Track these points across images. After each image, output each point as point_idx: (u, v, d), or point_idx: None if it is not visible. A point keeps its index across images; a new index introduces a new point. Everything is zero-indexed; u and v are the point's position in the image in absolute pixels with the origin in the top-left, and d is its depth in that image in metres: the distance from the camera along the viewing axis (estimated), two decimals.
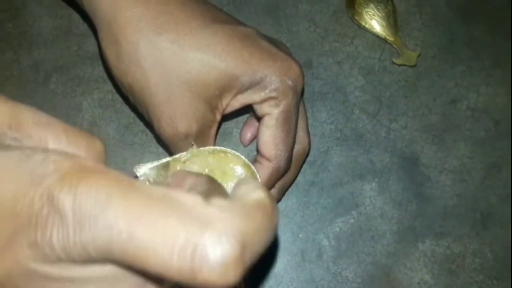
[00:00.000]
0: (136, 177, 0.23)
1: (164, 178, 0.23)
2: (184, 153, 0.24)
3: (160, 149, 0.33)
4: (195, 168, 0.25)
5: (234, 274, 0.13)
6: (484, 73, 0.35)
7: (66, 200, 0.13)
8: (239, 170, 0.25)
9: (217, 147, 0.25)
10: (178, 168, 0.24)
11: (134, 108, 0.33)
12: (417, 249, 0.32)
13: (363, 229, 0.32)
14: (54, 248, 0.13)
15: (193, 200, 0.14)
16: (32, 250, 0.14)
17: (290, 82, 0.26)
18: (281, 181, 0.29)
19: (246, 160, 0.25)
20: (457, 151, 0.34)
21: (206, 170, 0.25)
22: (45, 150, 0.15)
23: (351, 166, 0.33)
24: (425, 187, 0.33)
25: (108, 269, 0.14)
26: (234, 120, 0.34)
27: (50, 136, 0.16)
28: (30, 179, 0.14)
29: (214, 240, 0.13)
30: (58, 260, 0.14)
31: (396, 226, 0.32)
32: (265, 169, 0.27)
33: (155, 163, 0.23)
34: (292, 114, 0.27)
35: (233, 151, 0.25)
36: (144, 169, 0.23)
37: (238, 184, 0.16)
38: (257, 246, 0.14)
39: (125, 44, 0.25)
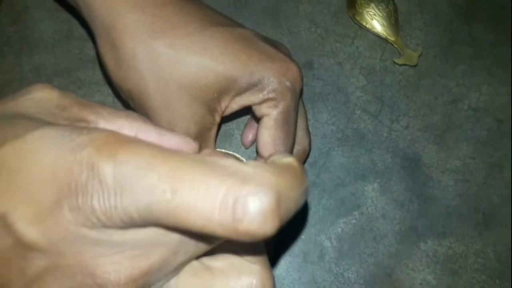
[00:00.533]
0: None
1: None
2: None
3: None
4: None
5: (272, 224, 0.14)
6: (485, 72, 0.35)
7: (106, 166, 0.14)
8: None
9: (216, 150, 0.25)
10: None
11: (134, 111, 0.33)
12: (419, 249, 0.32)
13: (365, 230, 0.32)
14: (95, 212, 0.14)
15: (230, 161, 0.15)
16: (73, 214, 0.14)
17: (288, 83, 0.26)
18: None
19: (238, 155, 0.25)
20: (459, 151, 0.34)
21: None
22: (85, 126, 0.16)
23: (353, 166, 0.33)
24: (427, 187, 0.33)
25: (147, 233, 0.15)
26: (235, 121, 0.34)
27: (92, 116, 0.18)
28: (70, 148, 0.14)
29: (253, 192, 0.14)
30: (99, 224, 0.14)
31: (398, 227, 0.32)
32: None
33: None
34: (291, 115, 0.27)
35: (230, 152, 0.25)
36: None
37: (269, 155, 0.17)
38: (291, 202, 0.15)
39: (123, 50, 0.25)
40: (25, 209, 0.14)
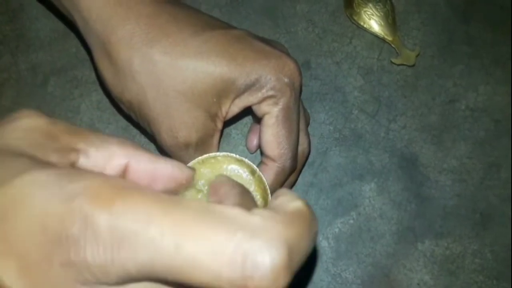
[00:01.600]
0: None
1: None
2: None
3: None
4: (195, 181, 0.24)
5: (284, 280, 0.13)
6: (483, 72, 0.35)
7: (101, 217, 0.13)
8: (235, 168, 0.25)
9: (205, 155, 0.25)
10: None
11: (136, 123, 0.32)
12: (417, 249, 0.32)
13: (362, 230, 0.32)
14: (90, 267, 0.13)
15: (236, 212, 0.14)
16: (65, 269, 0.13)
17: (286, 79, 0.26)
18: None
19: (237, 156, 0.25)
20: (457, 151, 0.34)
21: (202, 181, 0.25)
22: (77, 169, 0.15)
23: (350, 166, 0.33)
24: (424, 187, 0.33)
25: (142, 286, 0.14)
26: (233, 121, 0.34)
27: (82, 144, 0.16)
28: (60, 196, 0.13)
29: (263, 247, 0.13)
30: (93, 279, 0.13)
31: (395, 227, 0.32)
32: (270, 170, 0.27)
33: None
34: (292, 111, 0.27)
35: (222, 153, 0.25)
36: None
37: (275, 195, 0.16)
38: (301, 253, 0.14)
39: (119, 62, 0.25)
40: (11, 261, 0.13)
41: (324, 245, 0.32)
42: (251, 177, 0.25)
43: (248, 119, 0.34)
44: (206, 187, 0.25)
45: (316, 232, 0.15)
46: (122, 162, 0.17)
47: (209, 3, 0.35)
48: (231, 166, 0.25)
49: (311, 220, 0.15)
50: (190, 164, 0.24)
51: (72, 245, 0.13)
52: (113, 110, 0.33)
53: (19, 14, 0.34)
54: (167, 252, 0.13)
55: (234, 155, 0.25)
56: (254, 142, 0.32)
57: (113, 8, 0.25)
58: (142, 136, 0.33)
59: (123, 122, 0.33)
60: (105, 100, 0.33)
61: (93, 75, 0.34)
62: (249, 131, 0.33)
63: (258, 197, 0.25)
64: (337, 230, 0.32)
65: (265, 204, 0.25)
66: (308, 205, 0.15)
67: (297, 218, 0.14)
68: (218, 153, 0.25)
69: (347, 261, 0.32)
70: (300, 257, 0.14)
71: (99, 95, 0.33)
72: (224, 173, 0.25)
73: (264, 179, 0.25)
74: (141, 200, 0.13)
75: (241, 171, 0.25)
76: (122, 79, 0.25)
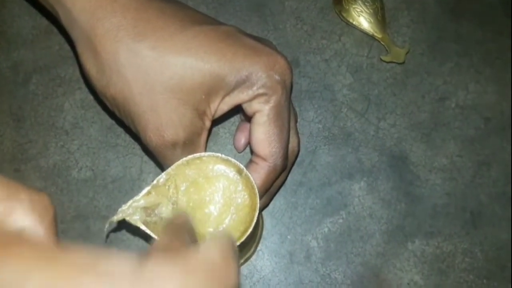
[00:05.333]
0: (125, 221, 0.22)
1: (152, 211, 0.23)
2: (161, 174, 0.24)
3: (144, 151, 0.32)
4: (177, 186, 0.24)
5: None
6: (473, 70, 0.35)
7: None
8: (221, 168, 0.24)
9: (190, 156, 0.24)
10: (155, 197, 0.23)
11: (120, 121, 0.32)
12: (407, 249, 0.32)
13: (352, 230, 0.32)
14: None
15: (125, 264, 0.12)
16: None
17: (277, 77, 0.25)
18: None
19: (223, 155, 0.24)
20: (447, 149, 0.34)
21: (187, 184, 0.24)
22: None
23: (339, 165, 0.33)
24: (414, 186, 0.33)
25: None
26: (220, 120, 0.33)
27: None
28: None
29: None
30: None
31: (385, 226, 0.32)
32: (261, 169, 0.26)
33: (135, 198, 0.23)
34: (283, 109, 0.26)
35: (207, 153, 0.24)
36: (125, 211, 0.22)
37: (207, 239, 0.14)
38: None
39: (104, 55, 0.24)
40: None
41: (313, 245, 0.31)
42: (238, 177, 0.24)
43: (236, 118, 0.33)
44: (191, 189, 0.24)
45: (234, 284, 0.13)
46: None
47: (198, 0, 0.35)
48: (217, 166, 0.24)
49: (220, 271, 0.13)
50: (174, 166, 0.24)
51: None
52: (97, 109, 0.32)
53: (0, 11, 0.34)
54: None
55: (219, 154, 0.24)
56: (242, 141, 0.31)
57: (98, 0, 0.24)
58: (127, 135, 0.32)
59: (108, 121, 0.32)
60: (89, 99, 0.33)
61: (76, 73, 0.33)
62: (237, 130, 0.32)
63: (246, 196, 0.24)
64: (326, 229, 0.32)
65: (253, 204, 0.24)
66: (227, 254, 0.13)
67: (200, 268, 0.12)
68: (203, 154, 0.24)
69: (337, 261, 0.31)
70: None
71: (83, 93, 0.33)
72: (210, 174, 0.24)
73: (251, 178, 0.24)
74: (25, 253, 0.12)
75: (227, 171, 0.24)
76: (107, 73, 0.24)
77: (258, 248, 0.31)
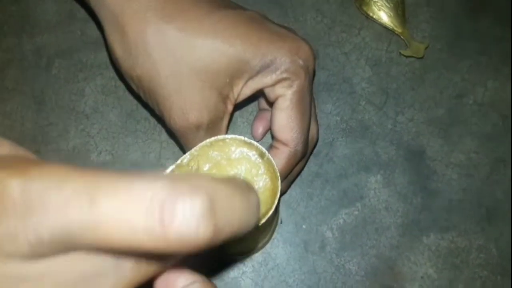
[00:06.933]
0: None
1: None
2: (185, 154, 0.24)
3: (163, 137, 0.32)
4: (200, 166, 0.24)
5: (204, 230, 0.12)
6: (491, 67, 0.35)
7: (13, 182, 0.12)
8: (243, 151, 0.24)
9: (214, 138, 0.24)
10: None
11: (135, 94, 0.32)
12: (422, 242, 0.32)
13: (367, 222, 0.32)
14: (1, 241, 0.12)
15: (163, 172, 0.13)
16: None
17: (301, 62, 0.26)
18: None
19: (246, 138, 0.24)
20: (463, 145, 0.34)
21: (210, 165, 0.24)
22: None
23: (356, 157, 0.33)
24: (430, 181, 0.33)
25: (68, 263, 0.13)
26: (238, 108, 0.33)
27: None
28: None
29: (182, 193, 0.12)
30: (3, 253, 0.12)
31: (400, 219, 0.32)
32: (282, 154, 0.26)
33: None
34: (305, 95, 0.26)
35: (230, 135, 0.24)
36: None
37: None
38: (229, 213, 0.13)
39: (132, 35, 0.24)
40: None
41: (328, 236, 0.31)
42: (260, 160, 0.24)
43: (253, 107, 0.34)
44: (214, 171, 0.24)
45: (253, 204, 0.14)
46: None
47: None
48: (239, 149, 0.24)
49: (243, 185, 0.14)
50: (198, 146, 0.24)
51: None
52: (117, 94, 0.33)
53: None
54: (81, 209, 0.12)
55: (242, 137, 0.24)
56: (260, 130, 0.31)
57: None
58: (147, 121, 0.33)
59: (128, 107, 0.33)
60: (110, 85, 0.33)
61: (98, 59, 0.33)
62: (255, 118, 0.32)
63: (267, 180, 0.24)
64: (341, 221, 0.32)
65: (274, 188, 0.24)
66: (244, 180, 0.15)
67: (226, 180, 0.14)
68: (227, 136, 0.24)
69: (351, 253, 0.31)
70: (227, 215, 0.13)
71: (104, 79, 0.33)
72: (233, 156, 0.24)
73: (273, 162, 0.24)
74: (59, 167, 0.13)
75: (250, 153, 0.25)
76: (134, 53, 0.24)
77: (273, 236, 0.31)
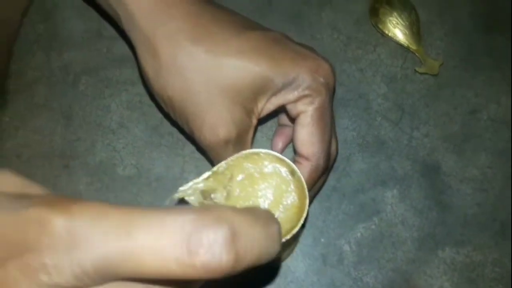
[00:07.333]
0: (183, 201, 0.24)
1: (208, 195, 0.24)
2: (222, 163, 0.25)
3: (186, 151, 0.34)
4: (234, 176, 0.25)
5: (227, 257, 0.14)
6: (504, 83, 0.36)
7: (58, 219, 0.14)
8: (276, 166, 0.25)
9: (249, 150, 0.25)
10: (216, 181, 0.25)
11: (161, 110, 0.33)
12: (437, 256, 0.32)
13: (384, 236, 0.33)
14: (46, 268, 0.13)
15: (188, 207, 0.15)
16: (21, 273, 0.13)
17: (322, 79, 0.27)
18: None
19: (279, 155, 0.25)
20: (478, 160, 0.34)
21: (243, 176, 0.25)
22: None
23: (373, 172, 0.34)
24: (445, 195, 0.34)
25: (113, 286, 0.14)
26: (258, 124, 0.34)
27: None
28: (12, 208, 0.14)
29: (208, 224, 0.14)
30: (50, 282, 0.14)
31: (416, 233, 0.33)
32: (304, 169, 0.27)
33: (196, 181, 0.24)
34: (326, 111, 0.27)
35: (265, 150, 0.25)
36: (185, 190, 0.23)
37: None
38: (250, 240, 0.15)
39: (163, 57, 0.26)
40: None
41: (346, 249, 0.32)
42: (291, 177, 0.25)
43: (272, 123, 0.35)
44: (246, 182, 0.25)
45: (275, 233, 0.16)
46: None
47: (237, 9, 0.36)
48: (272, 164, 0.25)
49: (264, 215, 0.16)
50: (234, 157, 0.25)
51: (29, 249, 0.14)
52: (142, 110, 0.34)
53: (53, 14, 0.35)
54: (118, 241, 0.14)
55: (276, 153, 0.25)
56: (279, 145, 0.32)
57: (160, 5, 0.26)
58: (171, 136, 0.34)
59: (153, 122, 0.34)
60: (135, 100, 0.34)
61: (123, 75, 0.34)
62: (275, 134, 0.33)
63: (295, 197, 0.25)
64: (359, 234, 0.33)
65: (301, 206, 0.25)
66: (265, 210, 0.16)
67: (248, 210, 0.15)
68: (261, 150, 0.25)
69: (368, 266, 0.32)
70: (249, 243, 0.14)
71: (129, 95, 0.34)
72: (265, 170, 0.25)
73: (303, 180, 0.25)
74: (97, 205, 0.14)
75: (281, 169, 0.26)
76: (165, 74, 0.26)
77: (295, 250, 0.32)
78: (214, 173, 0.24)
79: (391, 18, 0.36)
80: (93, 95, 0.34)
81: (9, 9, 0.34)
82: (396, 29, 0.36)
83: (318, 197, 0.33)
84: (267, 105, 0.27)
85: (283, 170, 0.25)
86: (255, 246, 0.15)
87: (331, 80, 0.27)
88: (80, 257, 0.14)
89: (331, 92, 0.28)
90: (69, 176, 0.33)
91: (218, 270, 0.14)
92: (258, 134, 0.34)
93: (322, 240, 0.33)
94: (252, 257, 0.15)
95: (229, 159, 0.25)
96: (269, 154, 0.25)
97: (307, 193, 0.25)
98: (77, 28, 0.35)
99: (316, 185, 0.29)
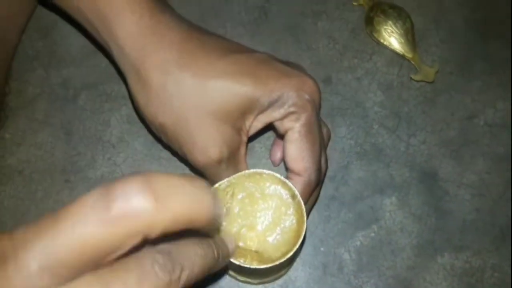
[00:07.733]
0: None
1: None
2: (224, 180, 0.25)
3: (184, 164, 0.34)
4: (235, 193, 0.25)
5: (143, 197, 0.14)
6: (501, 88, 0.36)
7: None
8: (278, 188, 0.26)
9: (252, 170, 0.26)
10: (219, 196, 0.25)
11: (154, 135, 0.33)
12: (437, 262, 0.33)
13: (383, 243, 0.33)
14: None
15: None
16: None
17: (307, 96, 0.27)
18: None
19: (281, 177, 0.25)
20: (475, 166, 0.34)
21: (244, 194, 0.26)
22: None
23: (371, 180, 0.34)
24: (444, 202, 0.34)
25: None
26: (256, 135, 0.35)
27: None
28: None
29: (116, 182, 0.15)
30: None
31: (415, 240, 0.33)
32: (296, 184, 0.28)
33: None
34: (313, 126, 0.28)
35: (268, 171, 0.26)
36: None
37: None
38: (171, 188, 0.15)
39: (154, 87, 0.26)
40: None
41: (345, 258, 0.33)
42: (291, 200, 0.26)
43: (271, 133, 0.35)
44: (246, 200, 0.26)
45: (198, 183, 0.16)
46: None
47: (234, 21, 0.37)
48: (274, 186, 0.26)
49: (194, 181, 0.16)
50: (236, 175, 0.25)
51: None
52: (142, 124, 0.34)
53: (52, 31, 0.36)
54: (52, 243, 0.14)
55: (279, 175, 0.26)
56: (277, 155, 0.33)
57: (148, 37, 0.26)
58: (170, 148, 0.34)
59: (152, 135, 0.34)
60: (134, 115, 0.35)
61: (122, 90, 0.35)
62: (273, 144, 0.34)
63: (294, 221, 0.26)
64: (358, 243, 0.33)
65: (299, 230, 0.25)
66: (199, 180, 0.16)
67: (174, 177, 0.15)
68: (264, 171, 0.26)
69: (368, 274, 0.32)
70: (167, 190, 0.15)
71: (129, 109, 0.35)
72: (266, 191, 0.26)
73: (303, 205, 0.25)
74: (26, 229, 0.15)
75: (282, 192, 0.26)
76: (155, 103, 0.27)
77: (290, 268, 0.32)
78: (215, 189, 0.25)
79: (386, 27, 0.37)
80: (92, 110, 0.35)
81: (8, 26, 0.34)
82: (392, 38, 0.37)
83: (317, 206, 0.33)
84: (255, 123, 0.28)
85: (284, 193, 0.26)
86: (178, 193, 0.15)
87: (316, 96, 0.28)
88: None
89: (317, 108, 0.28)
90: (71, 191, 0.33)
91: (142, 216, 0.14)
92: (256, 145, 0.35)
93: (322, 249, 0.33)
94: (176, 203, 0.15)
95: (231, 176, 0.25)
96: (272, 176, 0.25)
97: (305, 218, 0.25)
98: (76, 44, 0.36)
99: (310, 199, 0.29)
